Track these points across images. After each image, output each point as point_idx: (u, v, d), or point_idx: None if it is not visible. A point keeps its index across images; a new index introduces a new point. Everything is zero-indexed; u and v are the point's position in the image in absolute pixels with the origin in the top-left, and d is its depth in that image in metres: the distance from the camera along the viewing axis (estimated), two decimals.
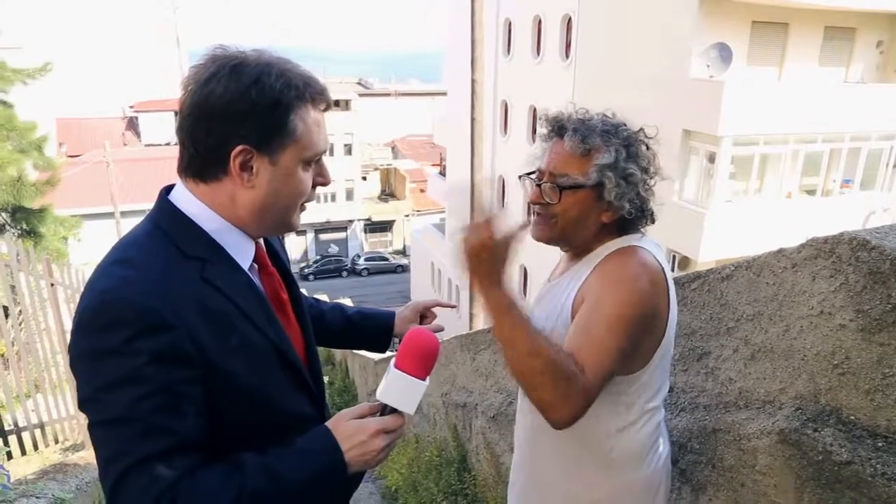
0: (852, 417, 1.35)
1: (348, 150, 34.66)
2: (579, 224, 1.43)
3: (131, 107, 33.25)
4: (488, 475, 3.78)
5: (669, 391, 2.01)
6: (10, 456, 3.48)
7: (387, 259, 35.32)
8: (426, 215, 34.34)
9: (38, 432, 3.83)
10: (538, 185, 1.45)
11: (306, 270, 33.04)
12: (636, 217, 1.42)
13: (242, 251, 1.11)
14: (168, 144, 31.18)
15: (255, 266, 1.15)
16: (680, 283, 1.92)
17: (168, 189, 1.11)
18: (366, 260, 34.73)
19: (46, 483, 3.31)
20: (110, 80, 31.28)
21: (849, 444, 1.32)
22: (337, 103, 34.47)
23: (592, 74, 14.76)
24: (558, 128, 1.45)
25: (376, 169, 38.72)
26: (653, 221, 1.46)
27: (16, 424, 3.61)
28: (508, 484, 1.76)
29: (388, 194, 38.86)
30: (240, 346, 1.03)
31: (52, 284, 4.22)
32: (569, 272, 1.50)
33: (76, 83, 27.99)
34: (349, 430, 1.06)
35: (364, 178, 36.83)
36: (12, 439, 3.53)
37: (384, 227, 37.59)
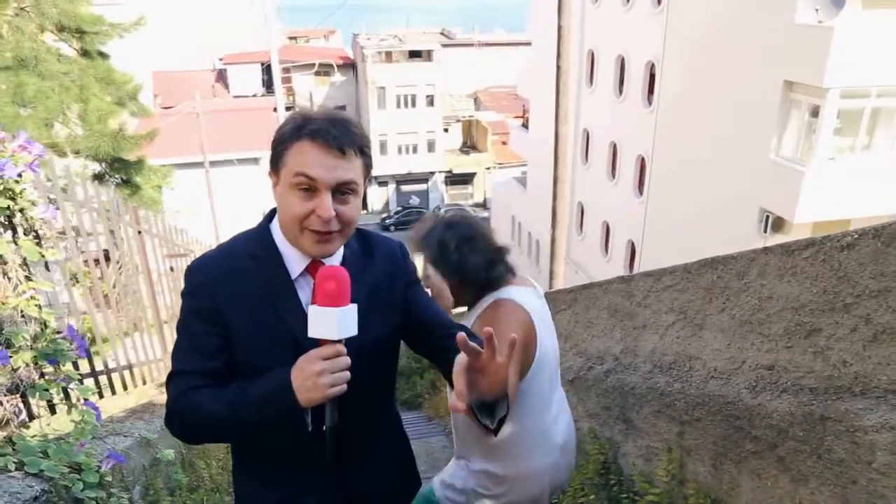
0: None
1: (430, 101, 34.40)
2: (446, 296, 1.95)
3: (220, 59, 34.03)
4: None
5: (769, 369, 1.83)
6: (101, 395, 3.65)
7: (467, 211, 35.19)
8: (507, 168, 33.86)
9: (126, 373, 4.00)
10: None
11: (387, 221, 33.40)
12: (484, 279, 1.93)
13: (295, 262, 1.40)
14: (255, 96, 31.86)
15: (310, 277, 1.40)
16: (789, 251, 1.71)
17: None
18: (446, 212, 34.73)
19: (134, 422, 3.45)
20: (202, 33, 32.05)
21: None
22: (419, 54, 34.20)
23: (686, 21, 13.88)
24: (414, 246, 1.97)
25: (458, 121, 38.32)
26: (501, 276, 1.96)
27: (106, 366, 3.77)
28: None
29: (469, 146, 38.50)
30: (260, 328, 1.36)
31: (140, 232, 4.36)
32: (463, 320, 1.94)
33: (171, 38, 28.82)
34: (298, 360, 1.27)
35: (446, 130, 36.52)
36: (103, 379, 3.70)
37: (465, 179, 37.37)
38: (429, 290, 1.92)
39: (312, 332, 1.26)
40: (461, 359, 1.17)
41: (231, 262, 1.39)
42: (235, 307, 1.35)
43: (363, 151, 1.34)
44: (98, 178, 11.12)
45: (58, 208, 3.13)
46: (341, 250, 1.46)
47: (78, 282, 3.91)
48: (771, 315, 1.82)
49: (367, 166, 1.38)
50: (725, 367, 2.08)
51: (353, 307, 1.27)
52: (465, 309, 2.21)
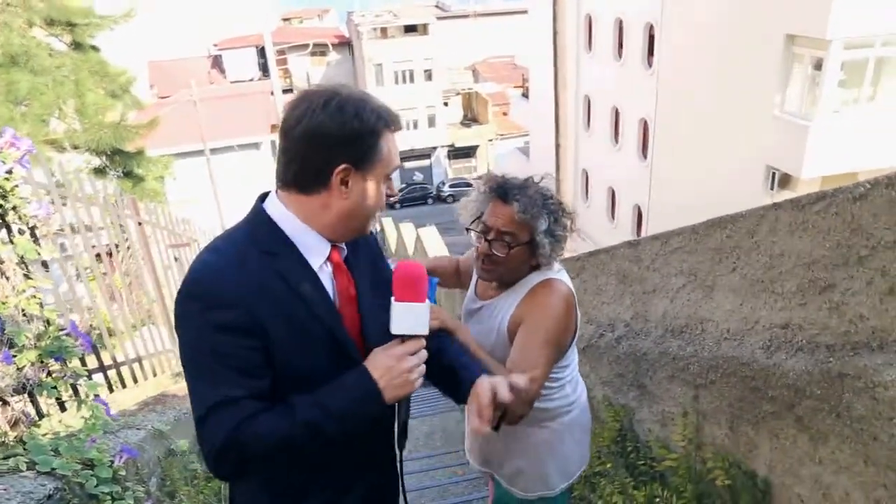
0: None
1: (428, 75, 34.03)
2: (516, 270, 1.83)
3: (215, 45, 33.74)
4: None
5: (783, 328, 1.79)
6: (111, 389, 3.66)
7: (472, 185, 34.95)
8: (510, 139, 33.59)
9: (136, 366, 4.00)
10: (487, 241, 1.79)
11: (392, 199, 33.27)
12: (554, 258, 1.83)
13: (315, 251, 1.30)
14: (252, 80, 31.62)
15: (330, 264, 1.34)
16: (800, 205, 1.65)
17: (265, 195, 1.33)
18: (451, 186, 34.42)
19: (146, 414, 3.45)
20: (196, 19, 31.72)
21: None
22: (415, 28, 33.78)
23: None
24: (501, 191, 1.80)
25: (458, 94, 37.95)
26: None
27: (114, 360, 3.77)
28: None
29: (470, 119, 38.16)
30: (295, 328, 1.24)
31: (140, 223, 4.34)
32: (500, 298, 1.89)
33: (164, 25, 28.56)
34: (378, 360, 1.25)
35: (445, 104, 36.14)
36: (113, 374, 3.70)
37: (468, 152, 37.09)
38: (496, 253, 1.77)
39: (397, 329, 1.27)
40: (489, 392, 1.26)
41: (248, 263, 1.24)
42: (268, 312, 1.22)
43: None
44: (99, 172, 11.08)
45: (58, 203, 3.10)
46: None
47: (93, 278, 3.91)
48: (783, 272, 1.77)
49: None
50: (738, 327, 2.03)
51: (429, 303, 1.31)
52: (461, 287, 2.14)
